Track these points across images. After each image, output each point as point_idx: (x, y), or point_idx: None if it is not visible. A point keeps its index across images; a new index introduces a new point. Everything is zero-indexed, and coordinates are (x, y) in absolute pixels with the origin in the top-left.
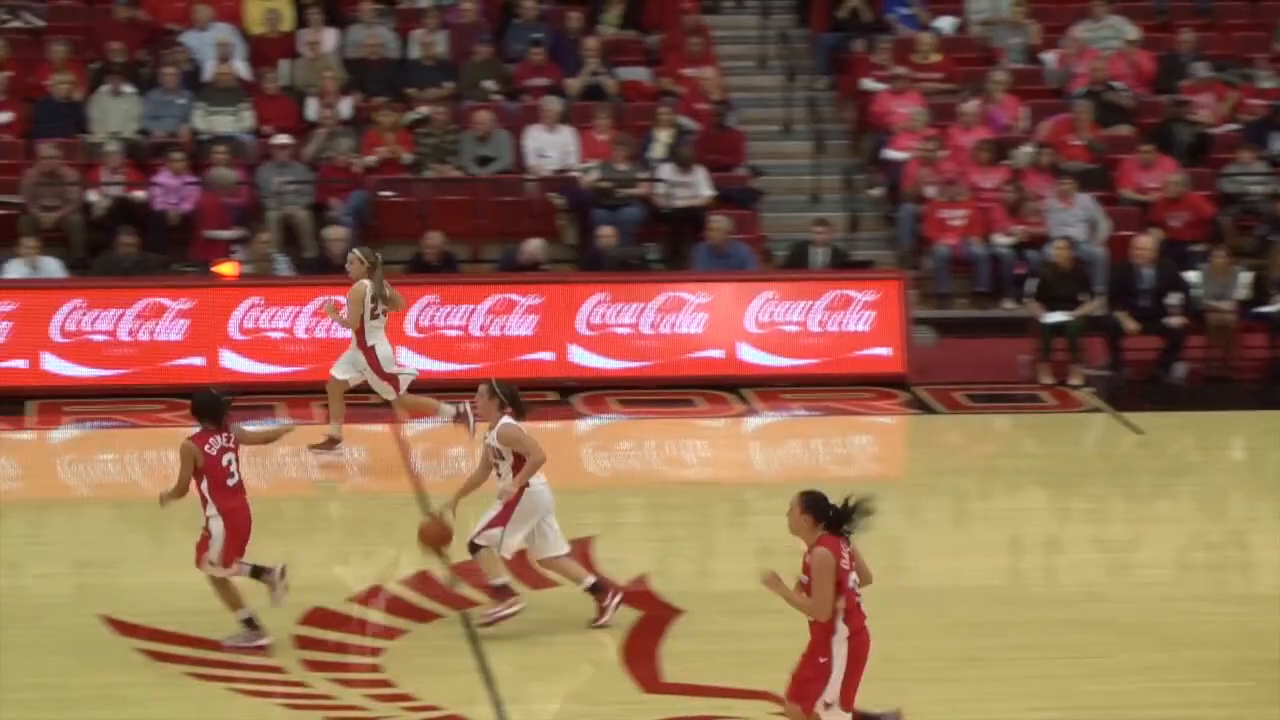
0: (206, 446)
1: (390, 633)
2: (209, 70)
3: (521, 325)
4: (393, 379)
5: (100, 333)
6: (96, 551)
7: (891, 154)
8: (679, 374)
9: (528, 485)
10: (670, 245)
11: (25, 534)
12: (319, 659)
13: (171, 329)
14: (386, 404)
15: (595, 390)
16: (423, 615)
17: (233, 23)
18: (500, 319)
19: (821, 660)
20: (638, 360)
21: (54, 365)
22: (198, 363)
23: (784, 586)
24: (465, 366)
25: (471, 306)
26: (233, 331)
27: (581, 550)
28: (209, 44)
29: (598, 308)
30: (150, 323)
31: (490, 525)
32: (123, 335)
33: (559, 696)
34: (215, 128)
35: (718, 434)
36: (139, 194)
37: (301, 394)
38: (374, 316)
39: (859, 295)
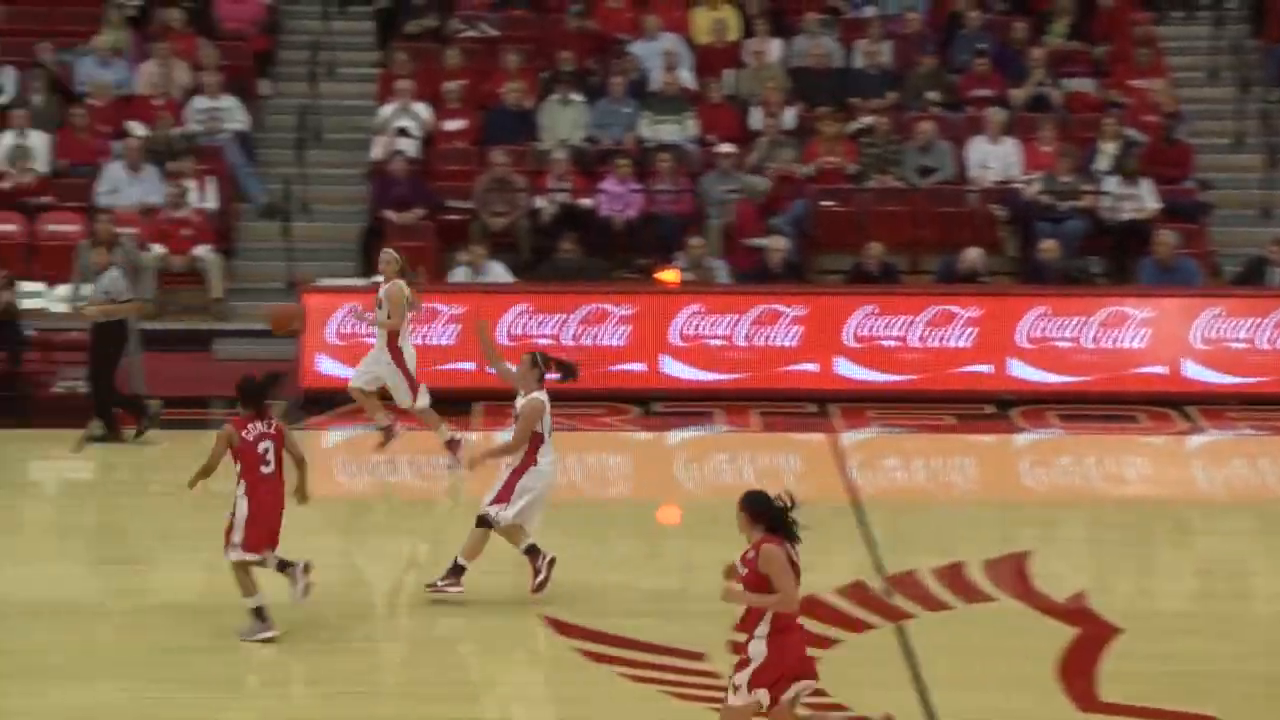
0: (245, 431)
1: (824, 642)
2: (655, 79)
3: (961, 337)
4: (414, 383)
5: (545, 336)
6: None
7: None
8: (1120, 389)
9: (535, 463)
10: (1114, 259)
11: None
12: None
13: (613, 334)
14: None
15: (1035, 404)
16: (856, 625)
17: (680, 32)
18: (939, 330)
19: (741, 656)
20: (1078, 375)
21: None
22: (638, 368)
23: (744, 595)
24: (900, 377)
25: (910, 317)
26: (673, 338)
27: (1017, 565)
28: (656, 53)
29: (1038, 321)
30: (593, 327)
31: (496, 500)
32: (566, 339)
33: (994, 712)
34: (660, 136)
35: (1160, 451)
36: (585, 201)
37: (740, 401)
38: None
39: None
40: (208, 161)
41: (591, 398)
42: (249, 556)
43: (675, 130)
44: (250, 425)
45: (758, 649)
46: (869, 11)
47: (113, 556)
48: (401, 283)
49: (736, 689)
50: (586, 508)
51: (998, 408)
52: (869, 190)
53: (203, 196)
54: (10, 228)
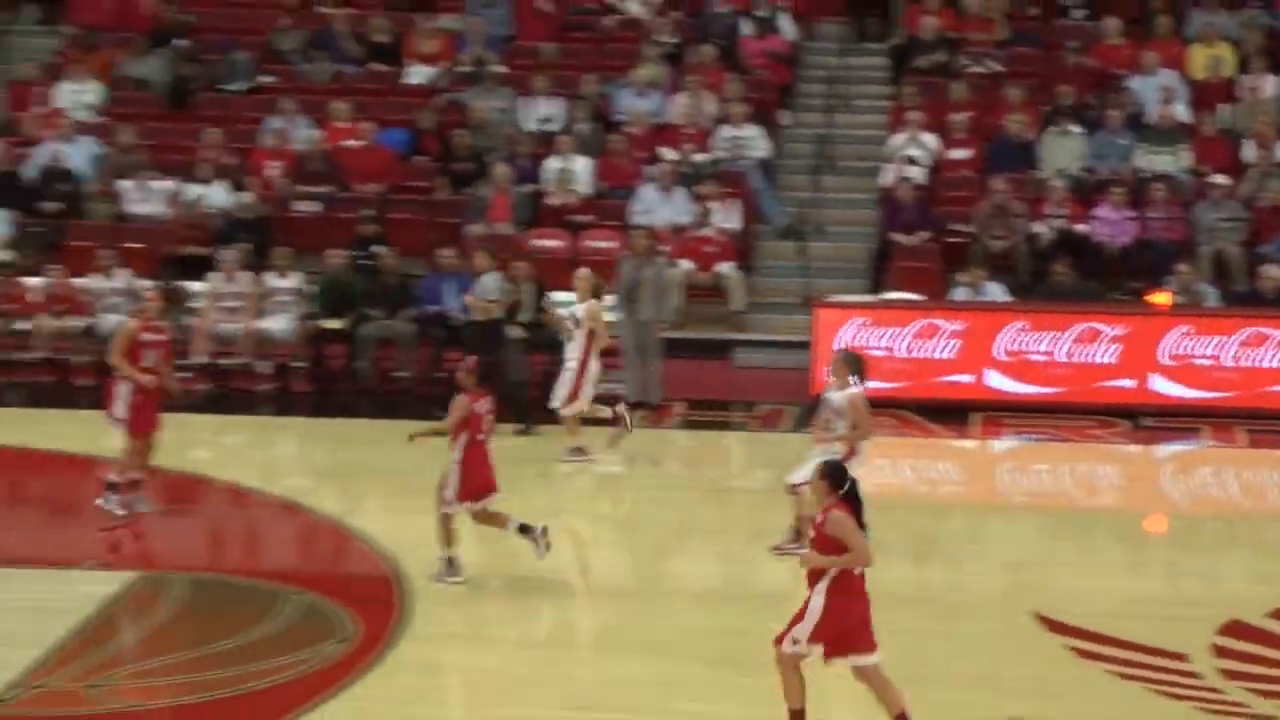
0: (477, 404)
1: None
2: (1151, 112)
3: None
4: (576, 394)
5: (1039, 353)
6: (1030, 554)
7: None
8: None
9: (856, 453)
10: None
11: (965, 534)
12: (1236, 669)
13: (1104, 352)
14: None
15: None
16: None
17: (1176, 69)
18: None
19: (798, 609)
20: None
21: (996, 381)
22: (1127, 385)
23: (819, 558)
24: None
25: None
26: (1162, 358)
27: None
28: (1153, 88)
29: None
30: (1085, 346)
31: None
32: (1059, 356)
33: None
34: (1155, 166)
35: None
36: (1080, 227)
37: (1226, 418)
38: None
39: None
40: (731, 185)
41: (1082, 411)
42: (460, 508)
43: (1169, 161)
44: (483, 399)
45: (816, 603)
46: None
47: (639, 545)
48: (598, 302)
49: (796, 642)
50: (1076, 515)
51: None
52: None
53: (726, 217)
54: (555, 243)
